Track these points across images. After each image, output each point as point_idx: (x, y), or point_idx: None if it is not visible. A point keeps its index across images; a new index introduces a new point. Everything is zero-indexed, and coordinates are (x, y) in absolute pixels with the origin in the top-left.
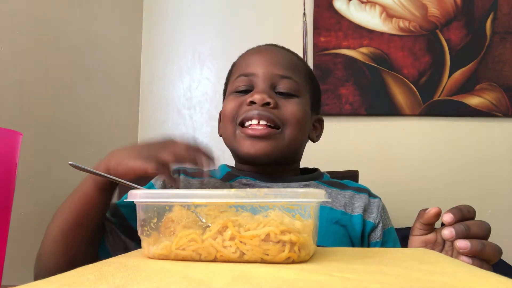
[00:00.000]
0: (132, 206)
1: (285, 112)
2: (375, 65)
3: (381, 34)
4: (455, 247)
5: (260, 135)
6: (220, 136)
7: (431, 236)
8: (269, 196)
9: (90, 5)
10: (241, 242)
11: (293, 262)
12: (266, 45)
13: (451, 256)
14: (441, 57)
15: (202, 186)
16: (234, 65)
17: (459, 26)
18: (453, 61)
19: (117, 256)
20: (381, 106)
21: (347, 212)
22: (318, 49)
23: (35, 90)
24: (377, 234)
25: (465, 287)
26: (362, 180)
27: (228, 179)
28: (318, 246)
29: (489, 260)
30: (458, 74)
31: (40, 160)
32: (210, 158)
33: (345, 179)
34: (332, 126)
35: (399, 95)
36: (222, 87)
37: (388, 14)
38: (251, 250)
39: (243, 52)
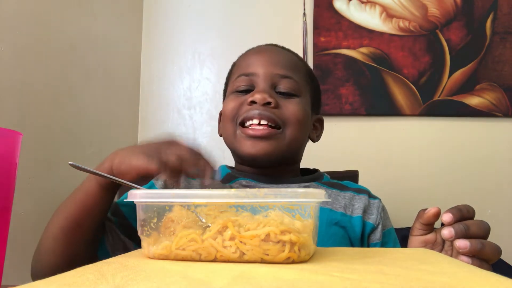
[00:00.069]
0: (132, 205)
1: (286, 112)
2: (375, 65)
3: (381, 34)
4: (454, 247)
5: (261, 135)
6: (220, 136)
7: (430, 236)
8: (269, 196)
9: (90, 5)
10: (241, 242)
11: (293, 262)
12: (266, 45)
13: (451, 256)
14: (441, 57)
15: (202, 186)
16: (234, 65)
17: (459, 26)
18: (453, 61)
19: (117, 256)
20: (381, 106)
21: (347, 213)
22: (318, 49)
23: (35, 90)
24: (376, 235)
25: (465, 287)
26: (362, 180)
27: (228, 180)
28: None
29: (489, 259)
30: (458, 74)
31: (40, 160)
32: (211, 163)
33: (345, 179)
34: (332, 126)
35: (399, 95)
36: (222, 87)
37: (388, 14)
38: (251, 250)
39: (243, 52)
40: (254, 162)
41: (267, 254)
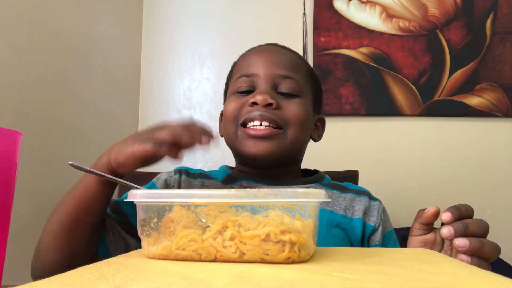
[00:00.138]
0: (133, 203)
1: (287, 113)
2: (375, 65)
3: (381, 34)
4: (453, 245)
5: (263, 135)
6: (221, 136)
7: (430, 236)
8: (269, 196)
9: (90, 5)
10: (241, 242)
11: (293, 262)
12: (267, 44)
13: (450, 255)
14: (441, 57)
15: (203, 187)
16: (234, 65)
17: (459, 26)
18: (453, 61)
19: (117, 256)
20: (381, 106)
21: (347, 215)
22: (318, 49)
23: (35, 90)
24: (377, 237)
25: (465, 287)
26: (362, 180)
27: (228, 181)
28: None
29: (488, 258)
30: (458, 74)
31: (40, 160)
32: (208, 133)
33: (345, 179)
34: (332, 126)
35: (399, 95)
36: (222, 87)
37: (388, 14)
38: (251, 250)
39: (244, 52)
40: (255, 162)
41: (267, 254)
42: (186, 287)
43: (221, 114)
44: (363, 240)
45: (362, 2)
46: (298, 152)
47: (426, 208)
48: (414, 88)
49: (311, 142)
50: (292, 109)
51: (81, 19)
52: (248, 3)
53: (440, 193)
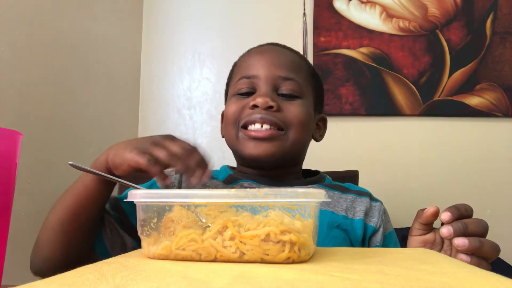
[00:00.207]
0: (133, 202)
1: (288, 115)
2: (375, 65)
3: (381, 34)
4: (453, 245)
5: (263, 137)
6: (223, 137)
7: (429, 236)
8: (269, 196)
9: (90, 5)
10: (241, 242)
11: (293, 262)
12: (268, 44)
13: (450, 255)
14: (441, 57)
15: (204, 186)
16: (235, 65)
17: (459, 26)
18: (453, 61)
19: (117, 256)
20: (381, 106)
21: (348, 216)
22: (318, 49)
23: (35, 90)
24: (377, 238)
25: (465, 287)
26: (362, 180)
27: (229, 182)
28: None
29: (487, 257)
30: (458, 74)
31: (40, 160)
32: (204, 166)
33: (345, 179)
34: (332, 126)
35: (399, 95)
36: (222, 87)
37: (388, 14)
38: (251, 250)
39: (244, 51)
40: (256, 163)
41: (267, 254)
42: (186, 287)
43: (222, 115)
44: (364, 241)
45: (362, 2)
46: (299, 153)
47: (425, 208)
48: (414, 88)
49: (311, 142)
50: (293, 110)
51: (81, 19)
52: (248, 3)
53: (440, 193)
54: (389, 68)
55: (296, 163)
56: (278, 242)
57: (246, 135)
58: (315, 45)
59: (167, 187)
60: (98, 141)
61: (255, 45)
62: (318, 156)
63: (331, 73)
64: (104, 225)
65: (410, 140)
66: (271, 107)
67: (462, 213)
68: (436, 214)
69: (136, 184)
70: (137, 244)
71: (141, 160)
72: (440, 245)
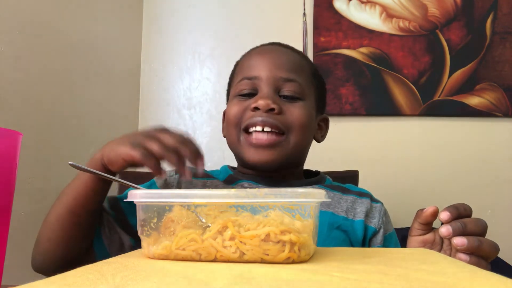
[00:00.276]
0: (132, 202)
1: (290, 118)
2: (375, 65)
3: (381, 34)
4: (452, 244)
5: (265, 144)
6: (224, 136)
7: (429, 236)
8: (269, 196)
9: (90, 5)
10: (241, 242)
11: (293, 262)
12: (270, 44)
13: (450, 255)
14: (441, 57)
15: (204, 186)
16: (237, 65)
17: (459, 26)
18: (453, 61)
19: (117, 256)
20: (381, 106)
21: (349, 217)
22: (318, 49)
23: (35, 90)
24: (378, 239)
25: (465, 287)
26: (362, 180)
27: (229, 182)
28: None
29: (487, 257)
30: (458, 74)
31: (40, 160)
32: (197, 155)
33: (345, 179)
34: (332, 126)
35: (399, 95)
36: (222, 87)
37: (388, 14)
38: (251, 250)
39: (246, 51)
40: (257, 169)
41: (267, 254)
42: (186, 287)
43: (224, 114)
44: (364, 242)
45: (362, 2)
46: (300, 155)
47: (424, 208)
48: (414, 88)
49: (313, 142)
50: (295, 113)
51: (81, 19)
52: (248, 3)
53: (440, 193)
54: (389, 68)
55: (297, 165)
56: (278, 242)
57: (248, 141)
58: (315, 45)
59: (165, 182)
60: (98, 141)
61: (255, 45)
62: (318, 156)
63: (331, 73)
64: (102, 224)
65: (410, 140)
66: (272, 109)
67: (461, 213)
68: (435, 214)
69: (136, 184)
70: (135, 243)
71: (135, 154)
72: (440, 245)
